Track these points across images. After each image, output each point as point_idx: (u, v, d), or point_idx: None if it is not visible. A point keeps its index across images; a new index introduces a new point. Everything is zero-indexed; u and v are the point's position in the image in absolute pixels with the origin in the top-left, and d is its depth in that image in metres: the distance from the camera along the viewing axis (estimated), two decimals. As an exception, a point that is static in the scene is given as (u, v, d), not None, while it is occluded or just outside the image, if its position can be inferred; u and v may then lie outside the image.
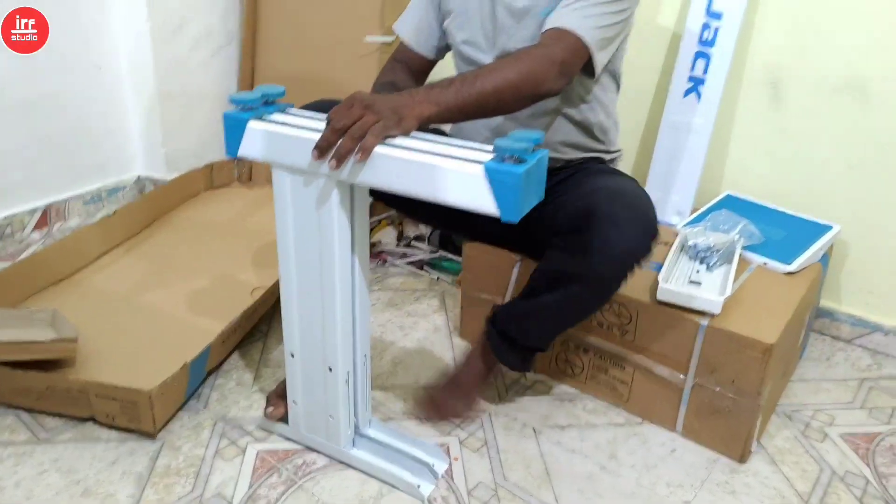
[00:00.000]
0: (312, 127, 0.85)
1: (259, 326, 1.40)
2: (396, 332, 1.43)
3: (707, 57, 1.44)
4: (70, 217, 1.86)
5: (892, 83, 1.31)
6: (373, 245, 1.74)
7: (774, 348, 1.03)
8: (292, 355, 1.02)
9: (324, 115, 0.84)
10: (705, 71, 1.44)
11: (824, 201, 1.43)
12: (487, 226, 0.89)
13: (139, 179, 2.01)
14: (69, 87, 1.76)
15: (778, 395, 1.26)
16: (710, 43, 1.43)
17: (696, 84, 1.46)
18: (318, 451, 1.08)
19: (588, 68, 0.98)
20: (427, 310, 1.52)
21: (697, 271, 1.21)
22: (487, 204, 0.75)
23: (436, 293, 1.59)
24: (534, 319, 1.07)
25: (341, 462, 1.06)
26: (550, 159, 0.80)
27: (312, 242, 0.90)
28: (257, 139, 0.87)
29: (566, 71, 0.93)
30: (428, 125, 0.85)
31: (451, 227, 1.36)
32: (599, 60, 0.97)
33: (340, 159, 0.79)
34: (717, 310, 1.08)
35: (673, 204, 1.51)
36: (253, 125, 0.87)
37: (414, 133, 0.83)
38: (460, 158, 0.77)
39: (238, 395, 1.21)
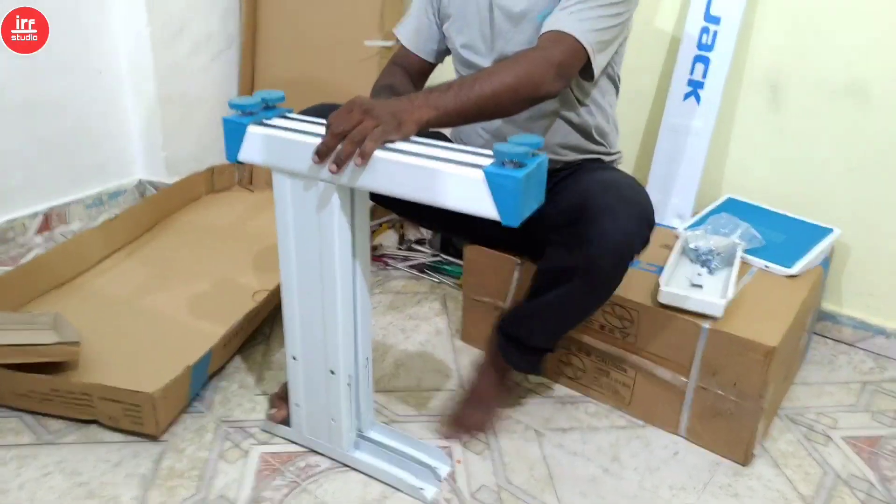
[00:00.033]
0: (312, 131, 0.86)
1: (261, 329, 1.40)
2: (398, 335, 1.43)
3: (706, 61, 1.44)
4: (71, 221, 1.87)
5: (892, 85, 1.31)
6: (374, 248, 1.74)
7: (776, 351, 1.03)
8: (294, 358, 1.02)
9: (323, 120, 0.85)
10: (704, 75, 1.44)
11: (824, 203, 1.43)
12: (488, 229, 0.90)
13: (140, 183, 2.02)
14: (69, 91, 1.77)
15: (781, 399, 1.26)
16: (709, 47, 1.43)
17: (695, 87, 1.46)
18: (321, 454, 1.08)
19: (586, 71, 0.98)
20: (428, 313, 1.52)
21: (699, 274, 1.21)
22: (488, 208, 0.75)
23: (437, 296, 1.59)
24: (538, 319, 1.07)
25: (344, 464, 1.06)
26: (549, 161, 0.80)
27: (313, 246, 0.90)
28: (257, 144, 0.87)
29: (564, 73, 0.93)
30: (427, 129, 0.86)
31: (452, 230, 1.36)
32: (597, 63, 0.97)
33: (340, 164, 0.79)
34: (719, 313, 1.08)
35: (673, 207, 1.51)
36: (252, 130, 0.87)
37: (413, 137, 0.84)
38: (460, 163, 0.77)
39: (241, 397, 1.21)
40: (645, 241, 0.98)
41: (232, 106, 0.89)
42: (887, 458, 1.14)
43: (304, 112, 1.01)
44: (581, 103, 1.10)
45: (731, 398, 1.08)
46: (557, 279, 0.99)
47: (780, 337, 1.05)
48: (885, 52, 1.30)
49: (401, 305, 1.54)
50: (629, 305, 1.14)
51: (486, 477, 1.06)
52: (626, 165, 1.57)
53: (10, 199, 1.73)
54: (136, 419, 1.07)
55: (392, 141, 0.81)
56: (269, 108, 0.92)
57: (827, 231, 1.36)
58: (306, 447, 1.09)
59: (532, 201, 0.77)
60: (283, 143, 0.85)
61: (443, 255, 1.73)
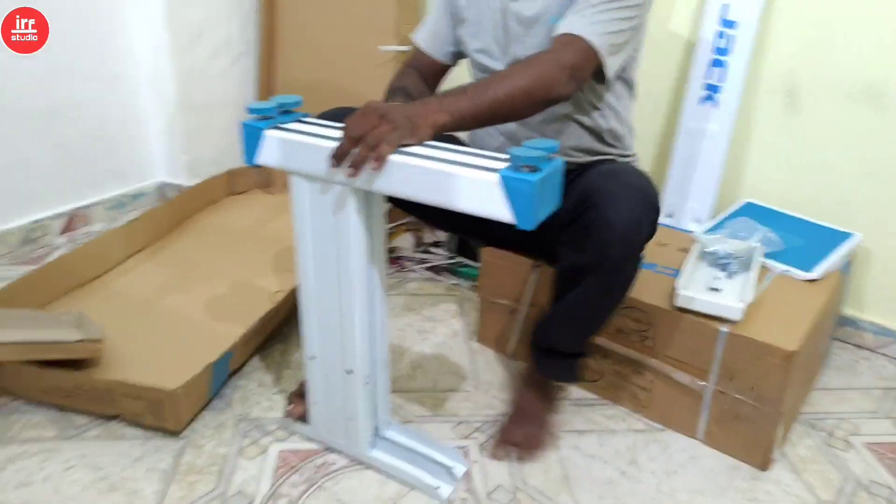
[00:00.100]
0: (328, 135, 0.87)
1: (280, 329, 1.41)
2: (415, 337, 1.44)
3: (723, 65, 1.43)
4: (93, 222, 1.90)
5: (913, 87, 1.29)
6: (391, 250, 1.75)
7: (795, 355, 1.02)
8: (312, 358, 1.03)
9: (340, 124, 0.86)
10: (721, 79, 1.44)
11: (844, 208, 1.41)
12: (503, 231, 0.90)
13: (161, 186, 2.05)
14: (86, 96, 1.81)
15: (801, 404, 1.24)
16: (726, 51, 1.42)
17: (712, 91, 1.45)
18: (339, 452, 1.09)
19: (599, 74, 0.98)
20: (445, 314, 1.53)
21: (717, 278, 1.20)
22: (503, 212, 0.75)
23: (454, 298, 1.60)
24: (563, 323, 1.06)
25: (361, 463, 1.07)
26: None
27: (330, 248, 0.92)
28: (274, 148, 0.89)
29: (576, 76, 0.93)
30: (442, 133, 0.86)
31: (468, 232, 1.37)
32: (610, 65, 0.97)
33: (356, 168, 0.80)
34: (737, 316, 1.07)
35: (690, 210, 1.50)
36: (269, 134, 0.88)
37: (428, 141, 0.84)
38: (476, 166, 0.77)
39: (260, 395, 1.23)
40: (652, 227, 0.96)
41: (250, 110, 0.91)
42: (909, 465, 1.12)
43: (320, 116, 1.02)
44: (595, 107, 1.10)
45: (749, 402, 1.07)
46: (573, 279, 0.99)
47: (799, 341, 1.03)
48: (904, 55, 1.28)
49: (417, 307, 1.55)
50: (647, 309, 1.14)
51: (502, 477, 1.06)
52: (643, 168, 1.56)
53: (34, 201, 1.78)
54: (158, 415, 1.09)
55: (407, 145, 0.82)
56: (287, 113, 0.94)
57: (847, 235, 1.34)
58: (324, 445, 1.10)
59: (547, 205, 0.78)
60: (300, 146, 0.86)
61: (459, 258, 1.74)
